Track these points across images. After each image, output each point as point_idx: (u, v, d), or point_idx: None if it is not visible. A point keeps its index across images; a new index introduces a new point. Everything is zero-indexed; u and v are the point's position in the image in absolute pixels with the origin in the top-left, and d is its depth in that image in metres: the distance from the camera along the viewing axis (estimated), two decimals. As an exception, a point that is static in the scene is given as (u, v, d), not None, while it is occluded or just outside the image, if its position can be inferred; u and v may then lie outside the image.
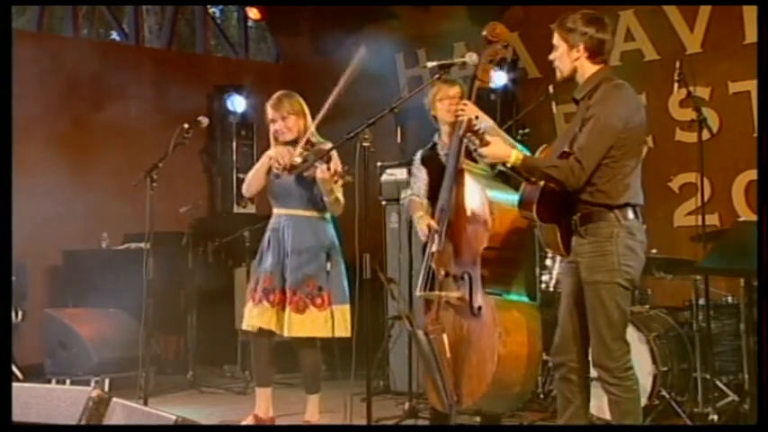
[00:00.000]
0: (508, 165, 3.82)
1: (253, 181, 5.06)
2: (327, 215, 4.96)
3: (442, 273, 4.56)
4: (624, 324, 3.80)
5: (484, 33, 4.44)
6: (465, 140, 4.18)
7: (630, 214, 3.72)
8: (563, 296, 3.96)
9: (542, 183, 3.76)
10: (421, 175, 4.95)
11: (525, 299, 4.64)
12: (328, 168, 4.49)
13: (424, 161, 4.96)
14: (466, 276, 4.44)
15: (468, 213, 4.51)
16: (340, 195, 4.81)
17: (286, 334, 4.81)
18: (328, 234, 4.95)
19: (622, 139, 3.68)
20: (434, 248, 4.51)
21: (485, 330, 4.36)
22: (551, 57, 3.89)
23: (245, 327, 5.01)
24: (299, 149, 4.84)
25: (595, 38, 3.76)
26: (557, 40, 3.84)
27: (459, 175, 4.51)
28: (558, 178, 3.66)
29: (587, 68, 3.79)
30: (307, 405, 4.99)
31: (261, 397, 5.08)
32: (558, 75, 3.88)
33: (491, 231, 4.40)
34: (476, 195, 4.48)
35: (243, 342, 7.20)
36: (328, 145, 4.75)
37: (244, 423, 5.12)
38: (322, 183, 4.70)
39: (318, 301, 4.81)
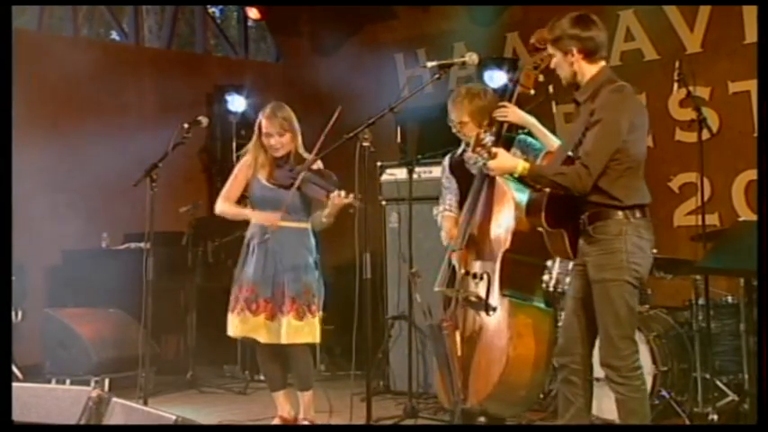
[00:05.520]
0: (515, 175, 3.84)
1: (234, 216, 5.17)
2: (309, 225, 4.98)
3: (463, 271, 4.56)
4: (632, 323, 3.78)
5: (531, 41, 4.34)
6: (475, 155, 4.18)
7: (638, 213, 3.71)
8: (568, 298, 3.94)
9: (548, 189, 3.76)
10: (452, 186, 4.95)
11: (542, 305, 4.61)
12: (347, 195, 4.42)
13: (452, 169, 4.94)
14: (485, 276, 4.44)
15: (495, 214, 4.49)
16: None
17: (284, 341, 4.79)
18: (314, 244, 4.98)
19: (628, 142, 3.67)
20: (458, 246, 4.51)
21: (497, 331, 4.36)
22: (552, 65, 3.90)
23: (231, 334, 4.99)
24: (311, 160, 4.79)
25: (585, 37, 3.75)
26: (551, 49, 3.85)
27: (489, 177, 4.48)
28: (565, 185, 3.66)
29: (587, 70, 3.79)
30: (301, 402, 4.99)
31: (279, 400, 5.09)
32: (563, 82, 3.88)
33: (515, 234, 4.38)
34: (503, 197, 4.47)
35: (243, 342, 7.19)
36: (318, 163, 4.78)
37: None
38: (333, 207, 4.63)
39: (313, 308, 4.86)
